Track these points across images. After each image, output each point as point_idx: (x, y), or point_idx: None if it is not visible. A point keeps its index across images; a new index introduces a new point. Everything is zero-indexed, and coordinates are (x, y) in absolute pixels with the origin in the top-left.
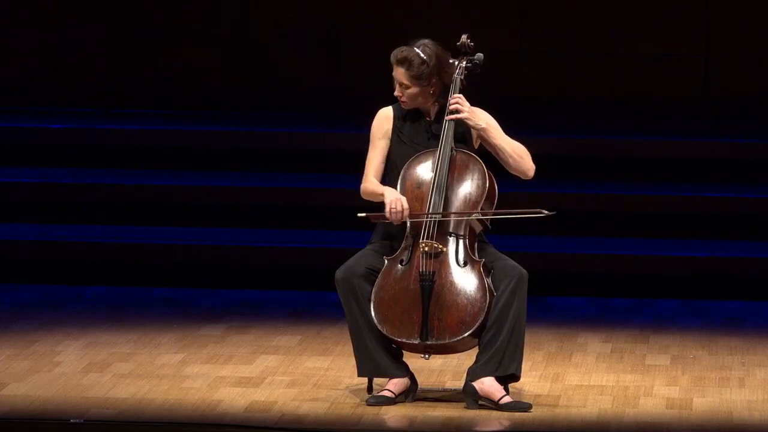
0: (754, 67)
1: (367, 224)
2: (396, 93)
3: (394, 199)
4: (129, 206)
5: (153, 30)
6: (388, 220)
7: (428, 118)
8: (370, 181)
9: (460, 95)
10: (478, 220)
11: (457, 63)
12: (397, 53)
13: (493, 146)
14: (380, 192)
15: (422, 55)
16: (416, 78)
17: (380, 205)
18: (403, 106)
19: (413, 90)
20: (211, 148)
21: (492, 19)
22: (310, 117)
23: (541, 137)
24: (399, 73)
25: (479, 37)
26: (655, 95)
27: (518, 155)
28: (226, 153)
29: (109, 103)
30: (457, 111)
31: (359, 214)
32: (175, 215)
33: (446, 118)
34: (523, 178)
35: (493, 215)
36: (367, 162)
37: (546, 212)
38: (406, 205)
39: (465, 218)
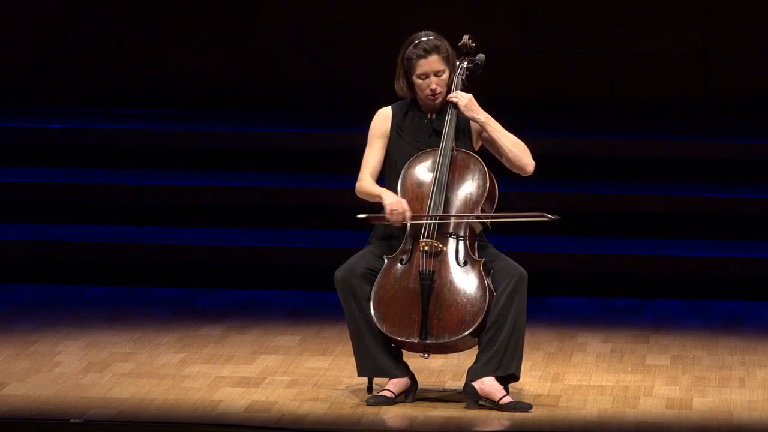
0: (754, 67)
1: (366, 224)
2: (432, 87)
3: (395, 202)
4: (129, 206)
5: (153, 30)
6: (388, 222)
7: (430, 116)
8: (366, 180)
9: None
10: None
11: (458, 63)
12: (423, 45)
13: (493, 140)
14: (377, 193)
15: (440, 37)
16: (447, 59)
17: (376, 205)
18: (435, 101)
19: (446, 74)
20: (212, 148)
21: (492, 19)
22: (310, 117)
23: (541, 137)
24: (433, 62)
25: (479, 37)
26: (655, 95)
27: (518, 150)
28: (226, 153)
29: (109, 103)
30: (457, 102)
31: (359, 216)
32: (175, 215)
33: (449, 98)
34: (522, 174)
35: (494, 218)
36: (363, 161)
37: (550, 216)
38: (407, 208)
39: (466, 221)
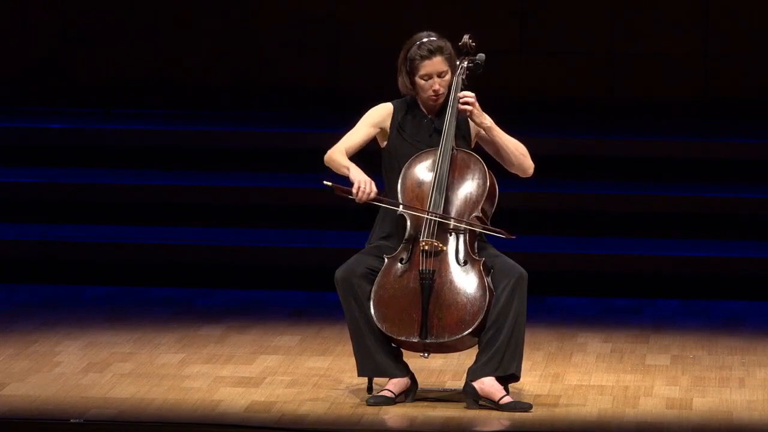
0: (754, 67)
1: (366, 224)
2: (436, 88)
3: (364, 181)
4: (129, 206)
5: (153, 30)
6: (352, 196)
7: (430, 116)
8: (339, 151)
9: (471, 93)
10: (478, 218)
11: (458, 63)
12: (427, 46)
13: (497, 145)
14: (345, 164)
15: (442, 38)
16: (450, 60)
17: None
18: (436, 102)
19: (449, 75)
20: (211, 148)
21: (492, 19)
22: (310, 117)
23: (541, 137)
24: (437, 63)
25: (479, 37)
26: (655, 95)
27: (521, 153)
28: (226, 153)
29: (109, 103)
30: (468, 105)
31: (325, 182)
32: (175, 215)
33: (457, 106)
34: (522, 176)
35: (457, 222)
36: (346, 136)
37: (506, 235)
38: (375, 189)
39: (435, 218)
